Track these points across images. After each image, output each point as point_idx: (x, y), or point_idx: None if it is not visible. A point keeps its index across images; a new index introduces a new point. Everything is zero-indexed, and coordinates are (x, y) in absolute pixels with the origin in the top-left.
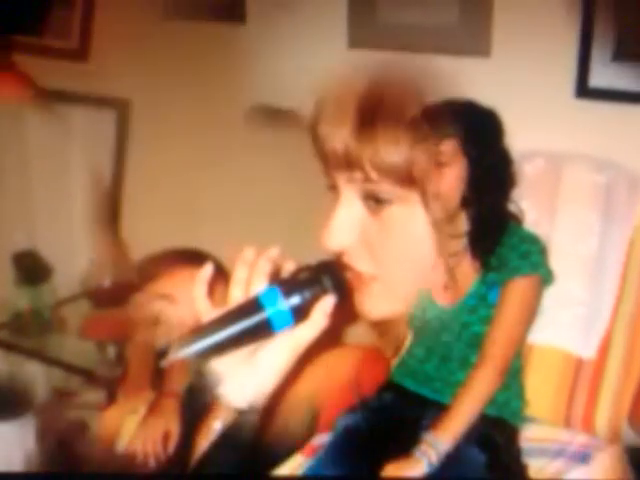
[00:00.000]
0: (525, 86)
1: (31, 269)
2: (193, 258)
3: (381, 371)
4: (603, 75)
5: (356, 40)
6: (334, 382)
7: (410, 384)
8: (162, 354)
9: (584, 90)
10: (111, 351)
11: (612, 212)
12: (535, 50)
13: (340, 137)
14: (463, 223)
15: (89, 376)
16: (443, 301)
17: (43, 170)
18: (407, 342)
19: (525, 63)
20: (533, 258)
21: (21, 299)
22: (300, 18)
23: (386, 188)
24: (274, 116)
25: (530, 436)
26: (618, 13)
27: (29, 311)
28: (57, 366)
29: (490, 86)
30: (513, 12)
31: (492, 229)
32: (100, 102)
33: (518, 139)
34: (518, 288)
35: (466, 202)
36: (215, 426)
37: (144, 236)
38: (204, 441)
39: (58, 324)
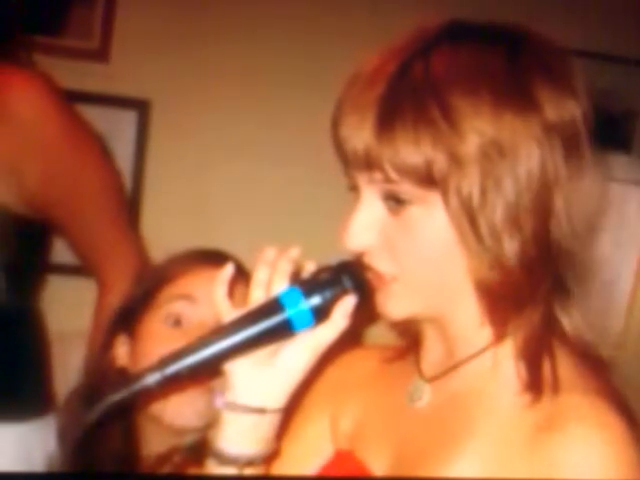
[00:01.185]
0: None
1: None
2: (214, 258)
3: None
4: None
5: None
6: (354, 382)
7: None
8: (176, 356)
9: None
10: None
11: (625, 218)
12: None
13: (360, 137)
14: (484, 226)
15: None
16: None
17: None
18: (427, 343)
19: None
20: None
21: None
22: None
23: (406, 188)
24: None
25: None
26: None
27: None
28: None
29: None
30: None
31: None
32: (121, 103)
33: None
34: None
35: (483, 204)
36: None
37: (164, 236)
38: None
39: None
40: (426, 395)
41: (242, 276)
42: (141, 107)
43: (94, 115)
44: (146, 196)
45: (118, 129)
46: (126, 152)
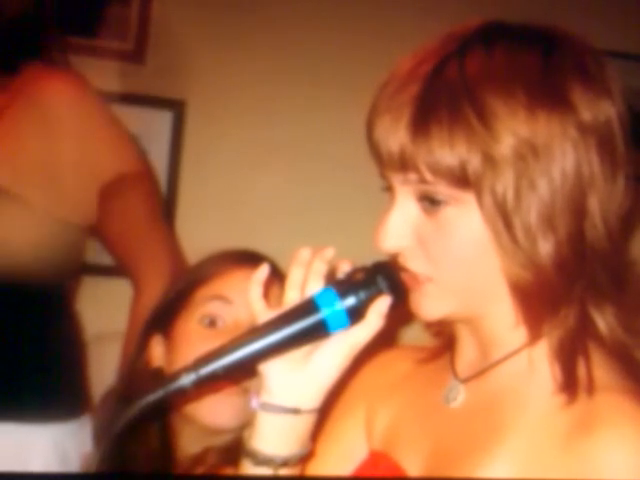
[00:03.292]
0: None
1: None
2: (249, 259)
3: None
4: None
5: None
6: (389, 383)
7: None
8: (211, 357)
9: None
10: None
11: None
12: None
13: (395, 138)
14: (518, 226)
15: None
16: None
17: None
18: (462, 343)
19: None
20: None
21: None
22: None
23: (441, 189)
24: None
25: None
26: None
27: None
28: None
29: None
30: None
31: None
32: (156, 103)
33: None
34: None
35: (518, 205)
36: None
37: (199, 237)
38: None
39: None
40: (461, 395)
41: (277, 277)
42: (176, 107)
43: (129, 115)
44: (181, 196)
45: (153, 129)
46: (161, 152)
